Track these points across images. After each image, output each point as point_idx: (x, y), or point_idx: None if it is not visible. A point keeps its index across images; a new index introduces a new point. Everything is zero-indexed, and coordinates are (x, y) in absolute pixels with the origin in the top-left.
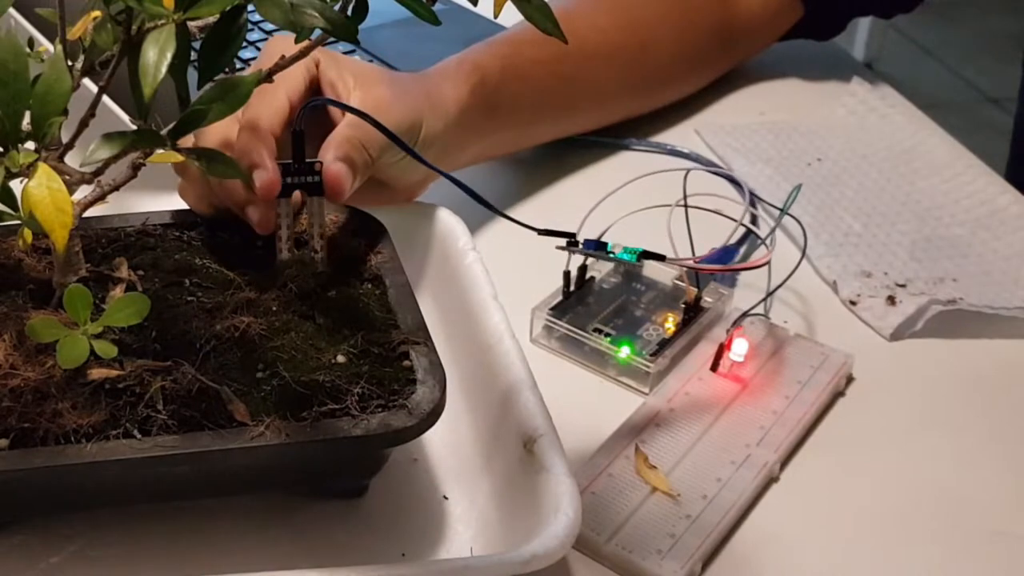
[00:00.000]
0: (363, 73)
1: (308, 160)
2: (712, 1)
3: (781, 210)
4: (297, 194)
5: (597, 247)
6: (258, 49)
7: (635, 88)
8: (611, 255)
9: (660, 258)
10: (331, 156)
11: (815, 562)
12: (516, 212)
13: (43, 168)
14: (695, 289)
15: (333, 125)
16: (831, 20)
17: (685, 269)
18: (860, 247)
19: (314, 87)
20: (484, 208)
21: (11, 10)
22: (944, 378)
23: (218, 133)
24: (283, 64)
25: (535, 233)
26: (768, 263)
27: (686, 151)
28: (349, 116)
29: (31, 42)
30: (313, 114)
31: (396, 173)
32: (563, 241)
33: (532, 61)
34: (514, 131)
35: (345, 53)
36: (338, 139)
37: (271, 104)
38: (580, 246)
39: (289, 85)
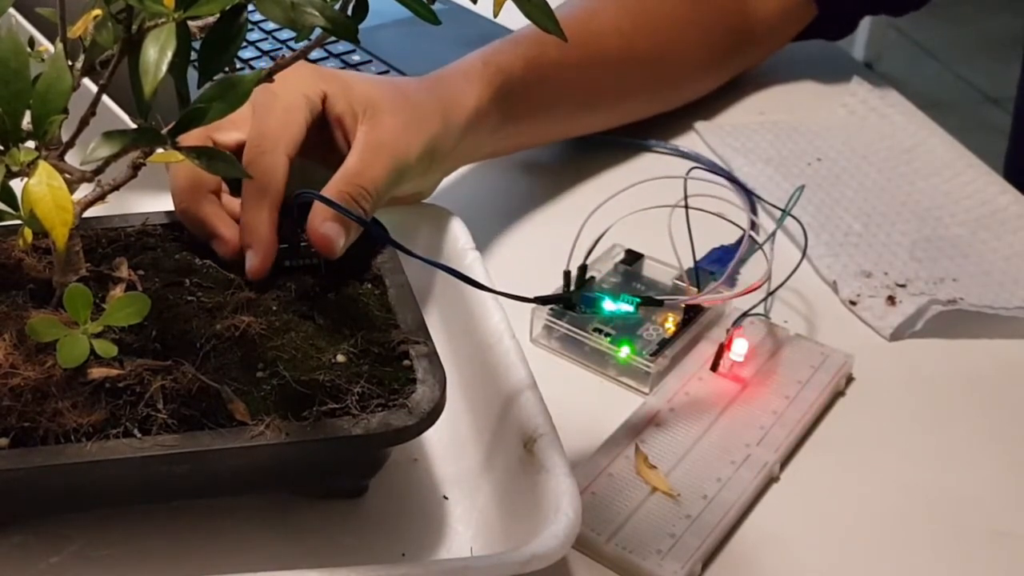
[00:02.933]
0: (372, 101)
1: (305, 244)
2: (730, 4)
3: (783, 211)
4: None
5: (592, 303)
6: (258, 49)
7: (654, 91)
8: (607, 313)
9: (658, 303)
10: (320, 217)
11: (815, 562)
12: (516, 213)
13: (44, 166)
14: (695, 289)
15: (339, 151)
16: (844, 19)
17: (685, 271)
18: (860, 247)
19: (318, 124)
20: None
21: (11, 10)
22: (944, 378)
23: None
24: (283, 64)
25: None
26: (768, 280)
27: (686, 150)
28: (352, 153)
29: (31, 42)
30: (320, 137)
31: (408, 191)
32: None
33: (556, 64)
34: (530, 133)
35: (345, 53)
36: (331, 196)
37: (274, 167)
38: (577, 307)
39: (288, 141)
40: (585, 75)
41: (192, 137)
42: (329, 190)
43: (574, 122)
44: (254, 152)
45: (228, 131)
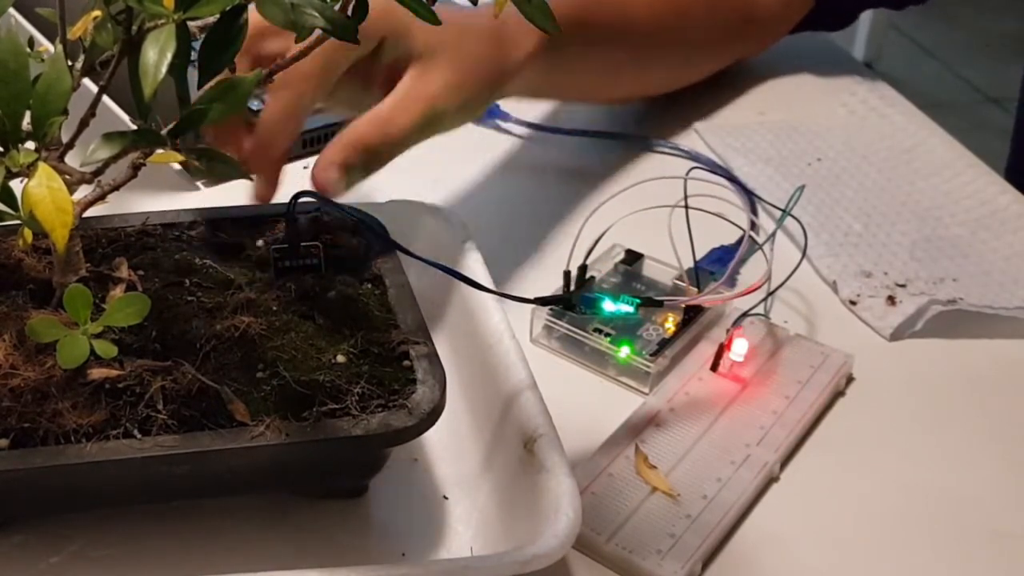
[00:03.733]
0: (430, 50)
1: (304, 244)
2: None
3: (783, 211)
4: None
5: (592, 304)
6: None
7: (674, 60)
8: (607, 314)
9: (658, 304)
10: (326, 159)
11: (815, 562)
12: (516, 213)
13: (43, 168)
14: (695, 289)
15: (377, 88)
16: (842, 11)
17: (686, 271)
18: (860, 247)
19: (366, 59)
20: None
21: (11, 10)
22: (944, 378)
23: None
24: (283, 64)
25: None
26: (768, 280)
27: (687, 150)
28: (390, 97)
29: (31, 42)
30: (365, 68)
31: (428, 138)
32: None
33: (603, 19)
34: (571, 83)
35: None
36: (342, 142)
37: (296, 104)
38: (577, 308)
39: (321, 79)
40: (627, 32)
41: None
42: (355, 129)
43: (608, 80)
44: (280, 84)
45: (272, 40)
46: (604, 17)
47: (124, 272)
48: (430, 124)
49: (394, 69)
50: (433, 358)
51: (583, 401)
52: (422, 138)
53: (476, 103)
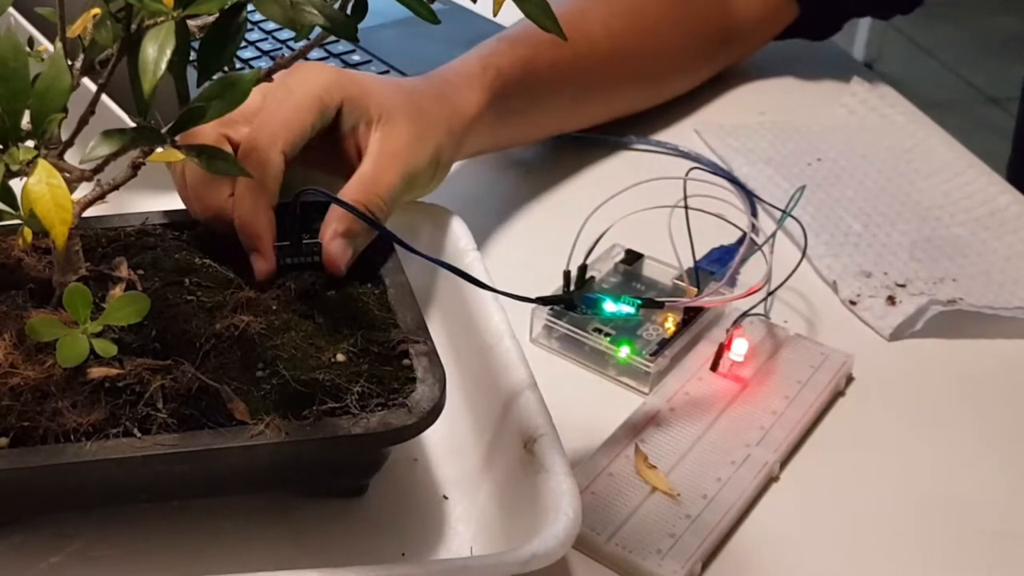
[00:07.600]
0: (388, 109)
1: (307, 242)
2: (713, 5)
3: (784, 212)
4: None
5: (593, 304)
6: (258, 49)
7: (640, 88)
8: (608, 314)
9: (659, 305)
10: (331, 231)
11: (815, 562)
12: (517, 214)
13: (43, 165)
14: (695, 289)
15: (347, 159)
16: (827, 20)
17: (686, 271)
18: (860, 247)
19: (328, 129)
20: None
21: (11, 9)
22: (944, 378)
23: (209, 138)
24: (282, 64)
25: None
26: (769, 280)
27: (686, 150)
28: (367, 160)
29: (31, 41)
30: (326, 141)
31: (410, 198)
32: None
33: (550, 64)
34: (523, 131)
35: (345, 53)
36: (339, 212)
37: (267, 163)
38: (578, 307)
39: (287, 139)
40: (577, 73)
41: (204, 132)
42: (345, 196)
43: (564, 118)
44: (248, 147)
45: (240, 127)
46: (553, 59)
47: (124, 271)
48: (410, 179)
49: (354, 136)
50: (433, 357)
51: (583, 401)
52: (405, 195)
53: (442, 157)
